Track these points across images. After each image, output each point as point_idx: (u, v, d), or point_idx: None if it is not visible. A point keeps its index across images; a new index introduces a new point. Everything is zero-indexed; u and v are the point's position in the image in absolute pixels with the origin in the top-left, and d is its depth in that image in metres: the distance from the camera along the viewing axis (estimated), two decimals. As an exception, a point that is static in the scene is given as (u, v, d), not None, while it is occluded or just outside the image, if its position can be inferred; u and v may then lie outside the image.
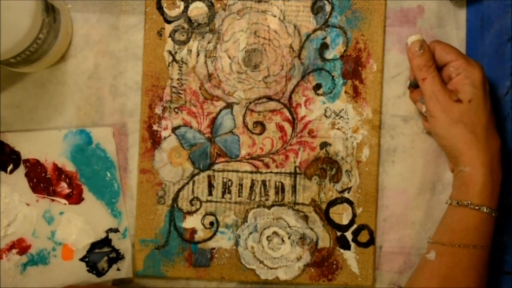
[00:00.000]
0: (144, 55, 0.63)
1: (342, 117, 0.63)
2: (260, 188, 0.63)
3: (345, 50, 0.63)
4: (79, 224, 0.62)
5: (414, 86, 0.61)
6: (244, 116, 0.63)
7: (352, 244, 0.63)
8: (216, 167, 0.63)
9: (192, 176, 0.63)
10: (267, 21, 0.63)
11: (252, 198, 0.63)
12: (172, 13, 0.63)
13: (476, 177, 0.55)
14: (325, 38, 0.63)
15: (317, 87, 0.63)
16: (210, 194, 0.63)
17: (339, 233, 0.63)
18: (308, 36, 0.63)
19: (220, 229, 0.63)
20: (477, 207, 0.55)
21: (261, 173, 0.63)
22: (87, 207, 0.63)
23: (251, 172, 0.63)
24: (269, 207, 0.63)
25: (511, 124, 0.58)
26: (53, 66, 0.63)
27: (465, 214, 0.55)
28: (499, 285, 0.59)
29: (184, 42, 0.63)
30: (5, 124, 0.63)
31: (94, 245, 0.62)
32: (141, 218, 0.63)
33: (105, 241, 0.63)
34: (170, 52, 0.63)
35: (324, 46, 0.63)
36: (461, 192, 0.56)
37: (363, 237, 0.63)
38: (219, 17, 0.63)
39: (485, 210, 0.54)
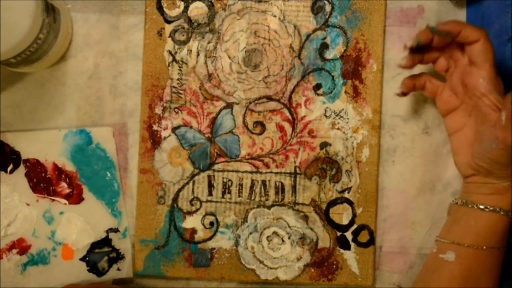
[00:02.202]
0: (144, 55, 0.63)
1: (342, 117, 0.63)
2: (260, 188, 0.63)
3: (345, 50, 0.63)
4: (79, 224, 0.62)
5: (417, 49, 0.56)
6: (244, 116, 0.63)
7: (352, 244, 0.63)
8: (216, 167, 0.63)
9: (192, 176, 0.63)
10: (267, 21, 0.63)
11: (252, 198, 0.63)
12: (172, 13, 0.63)
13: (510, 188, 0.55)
14: (325, 38, 0.63)
15: (317, 87, 0.63)
16: (210, 194, 0.63)
17: (339, 233, 0.63)
18: (308, 36, 0.63)
19: (220, 229, 0.63)
20: (507, 213, 0.55)
21: (261, 173, 0.63)
22: (87, 207, 0.63)
23: (251, 172, 0.63)
24: (269, 207, 0.63)
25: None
26: (53, 66, 0.63)
27: (494, 219, 0.55)
28: (500, 285, 0.59)
29: (184, 42, 0.63)
30: (5, 124, 0.63)
31: (94, 245, 0.62)
32: (141, 218, 0.63)
33: (105, 241, 0.63)
34: (170, 52, 0.63)
35: (324, 46, 0.63)
36: (490, 199, 0.56)
37: (363, 237, 0.63)
38: (219, 17, 0.63)
39: None
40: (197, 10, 0.63)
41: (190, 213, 0.63)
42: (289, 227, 0.63)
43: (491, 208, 0.55)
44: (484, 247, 0.55)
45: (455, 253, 0.56)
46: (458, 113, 0.58)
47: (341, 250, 0.63)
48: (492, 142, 0.53)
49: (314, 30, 0.63)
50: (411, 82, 0.59)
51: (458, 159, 0.59)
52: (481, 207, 0.56)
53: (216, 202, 0.63)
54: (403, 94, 0.60)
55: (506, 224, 0.55)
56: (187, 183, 0.63)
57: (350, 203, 0.63)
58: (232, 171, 0.63)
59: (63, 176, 0.62)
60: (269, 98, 0.63)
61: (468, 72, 0.55)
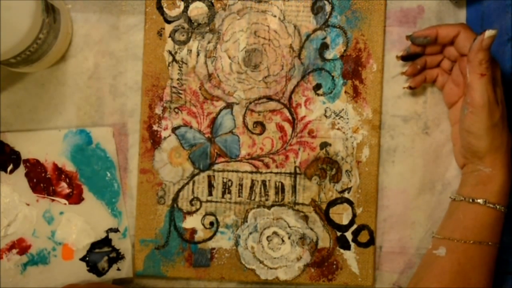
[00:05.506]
0: (144, 55, 0.63)
1: (342, 117, 0.63)
2: (260, 188, 0.63)
3: (345, 50, 0.63)
4: (79, 224, 0.62)
5: (407, 58, 0.61)
6: (244, 116, 0.63)
7: (352, 244, 0.63)
8: (216, 167, 0.63)
9: (192, 176, 0.63)
10: (267, 21, 0.63)
11: (252, 198, 0.63)
12: (172, 13, 0.63)
13: (497, 177, 0.55)
14: (325, 38, 0.63)
15: (317, 87, 0.63)
16: (210, 194, 0.63)
17: (339, 233, 0.63)
18: (308, 36, 0.63)
19: (220, 229, 0.63)
20: (493, 206, 0.55)
21: (261, 173, 0.63)
22: (87, 207, 0.63)
23: (251, 172, 0.63)
24: (269, 207, 0.63)
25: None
26: (53, 66, 0.63)
27: (481, 211, 0.55)
28: (500, 285, 0.59)
29: (184, 42, 0.63)
30: (5, 124, 0.63)
31: (94, 245, 0.62)
32: (141, 218, 0.63)
33: (105, 241, 0.63)
34: (170, 52, 0.63)
35: (324, 46, 0.63)
36: (476, 190, 0.56)
37: (363, 237, 0.63)
38: (219, 17, 0.63)
39: (502, 209, 0.55)
40: (197, 10, 0.63)
41: (190, 213, 0.63)
42: (289, 227, 0.63)
43: (477, 200, 0.55)
44: (472, 242, 0.55)
45: (446, 248, 0.56)
46: (459, 104, 0.60)
47: (341, 250, 0.63)
48: (464, 110, 0.55)
49: (314, 30, 0.63)
50: (421, 76, 0.61)
51: (455, 149, 0.61)
52: (469, 200, 0.56)
53: (216, 202, 0.63)
54: (411, 88, 0.61)
55: (493, 218, 0.55)
56: (187, 183, 0.63)
57: (350, 203, 0.63)
58: (232, 171, 0.63)
59: (63, 176, 0.62)
60: (269, 98, 0.63)
61: (463, 60, 0.58)
